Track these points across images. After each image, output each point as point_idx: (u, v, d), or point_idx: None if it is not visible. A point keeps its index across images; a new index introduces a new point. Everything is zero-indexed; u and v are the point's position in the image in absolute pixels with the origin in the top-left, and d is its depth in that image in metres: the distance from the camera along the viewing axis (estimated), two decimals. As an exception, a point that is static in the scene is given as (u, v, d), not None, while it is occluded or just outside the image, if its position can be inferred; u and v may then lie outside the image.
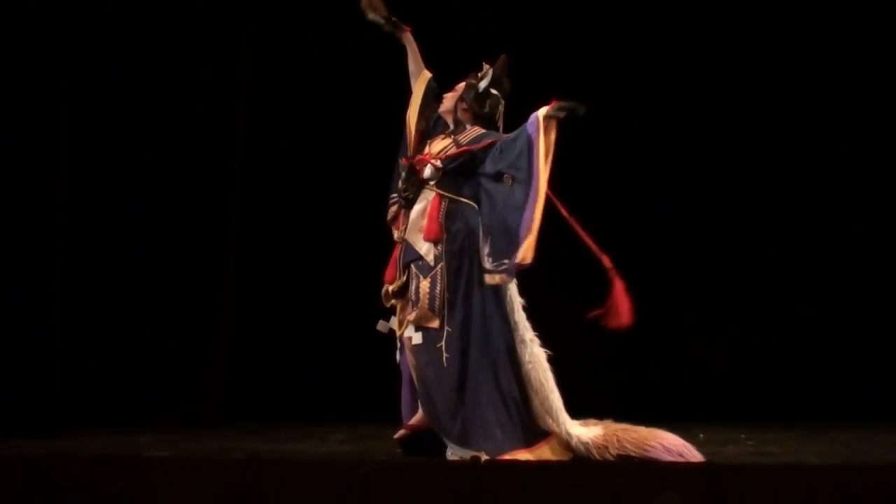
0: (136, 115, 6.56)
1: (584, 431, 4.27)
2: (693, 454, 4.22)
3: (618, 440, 4.21)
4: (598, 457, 4.17)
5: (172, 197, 6.52)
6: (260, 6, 6.84)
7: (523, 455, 4.18)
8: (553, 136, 4.36)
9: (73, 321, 6.35)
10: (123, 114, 6.56)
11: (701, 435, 5.56)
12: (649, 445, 4.18)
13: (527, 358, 4.34)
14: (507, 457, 4.14)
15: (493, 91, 4.61)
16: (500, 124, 4.66)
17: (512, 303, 4.42)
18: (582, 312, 6.97)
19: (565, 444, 4.27)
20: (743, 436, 5.50)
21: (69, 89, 6.33)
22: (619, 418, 5.30)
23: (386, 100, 7.08)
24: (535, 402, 4.31)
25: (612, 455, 4.16)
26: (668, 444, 4.22)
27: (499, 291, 4.38)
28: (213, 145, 6.57)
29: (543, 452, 4.23)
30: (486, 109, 4.60)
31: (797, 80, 7.11)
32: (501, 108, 4.63)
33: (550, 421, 4.28)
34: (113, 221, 6.52)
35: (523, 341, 4.35)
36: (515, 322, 4.40)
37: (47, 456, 3.94)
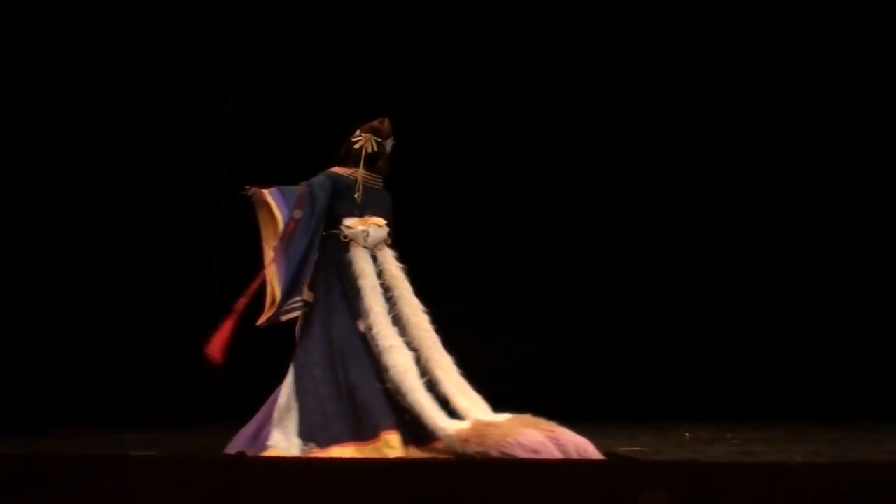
0: (124, 111, 6.55)
1: (450, 425, 4.36)
2: (550, 451, 4.20)
3: (479, 435, 4.28)
4: (459, 451, 4.25)
5: (160, 194, 6.51)
6: (248, 7, 6.85)
7: (350, 448, 4.36)
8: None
9: (59, 319, 6.34)
10: (110, 110, 6.56)
11: (687, 434, 5.58)
12: (506, 442, 4.21)
13: (390, 363, 4.50)
14: (336, 448, 4.35)
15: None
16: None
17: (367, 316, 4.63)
18: (570, 316, 7.03)
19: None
20: (729, 435, 5.52)
21: (56, 86, 6.32)
22: (606, 418, 5.33)
23: (366, 102, 7.15)
24: (405, 402, 4.46)
25: (473, 450, 4.22)
26: (524, 441, 4.20)
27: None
28: (201, 141, 6.56)
29: (376, 448, 4.34)
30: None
31: (779, 78, 7.15)
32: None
33: (423, 418, 4.39)
34: (100, 219, 6.51)
35: (384, 349, 4.54)
36: (372, 334, 4.58)
37: (33, 454, 3.94)
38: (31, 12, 6.14)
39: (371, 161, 4.82)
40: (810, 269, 7.19)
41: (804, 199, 7.19)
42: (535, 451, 4.16)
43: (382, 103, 7.09)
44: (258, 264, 7.00)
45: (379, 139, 4.87)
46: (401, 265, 4.77)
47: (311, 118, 7.16)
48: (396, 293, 4.69)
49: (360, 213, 4.73)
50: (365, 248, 4.71)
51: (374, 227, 4.73)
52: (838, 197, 7.16)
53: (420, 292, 4.76)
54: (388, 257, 4.75)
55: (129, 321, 6.42)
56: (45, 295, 6.27)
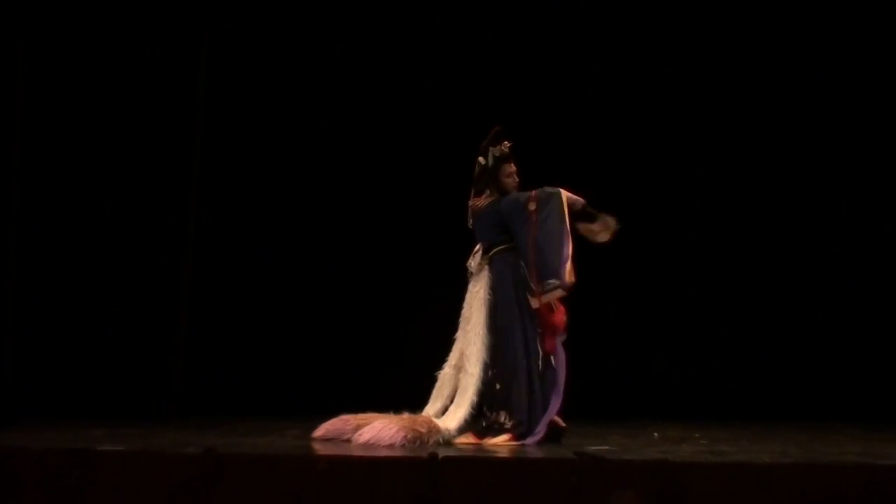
0: (93, 105, 6.49)
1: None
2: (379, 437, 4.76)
3: (356, 426, 4.95)
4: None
5: (130, 190, 6.46)
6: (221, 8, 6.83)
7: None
8: None
9: (26, 314, 6.28)
10: (80, 104, 6.50)
11: (655, 434, 5.61)
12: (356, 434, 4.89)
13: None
14: None
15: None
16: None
17: None
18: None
19: None
20: (697, 434, 5.55)
21: (25, 86, 6.28)
22: (576, 417, 5.35)
23: (340, 101, 7.16)
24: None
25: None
26: (367, 436, 4.81)
27: None
28: (172, 137, 6.51)
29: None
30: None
31: (776, 84, 7.22)
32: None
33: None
34: (68, 214, 6.45)
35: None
36: None
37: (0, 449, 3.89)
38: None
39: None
40: (780, 273, 7.25)
41: (775, 206, 7.25)
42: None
43: (361, 105, 7.16)
44: (227, 263, 7.02)
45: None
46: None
47: (279, 113, 7.15)
48: None
49: None
50: None
51: None
52: (808, 205, 7.22)
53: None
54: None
55: (98, 316, 6.37)
56: (11, 291, 6.21)
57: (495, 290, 5.15)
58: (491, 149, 5.27)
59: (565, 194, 5.11)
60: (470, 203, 5.34)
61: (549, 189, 5.12)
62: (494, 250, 5.21)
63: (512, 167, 5.29)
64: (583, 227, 5.16)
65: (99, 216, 6.43)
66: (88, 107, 6.48)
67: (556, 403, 5.05)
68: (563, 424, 5.12)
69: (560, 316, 5.11)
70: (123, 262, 6.40)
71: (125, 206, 6.45)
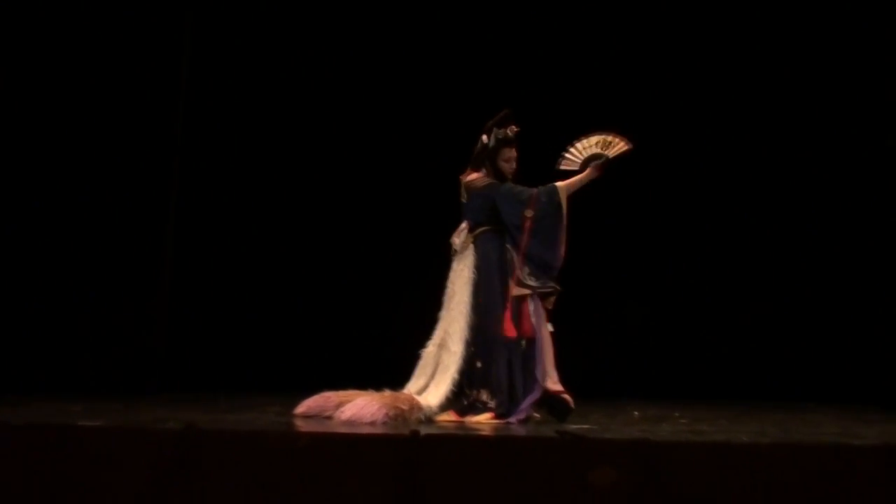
0: (74, 80, 6.44)
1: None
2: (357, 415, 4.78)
3: (338, 403, 4.97)
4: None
5: (112, 165, 6.42)
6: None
7: None
8: None
9: (5, 289, 6.24)
10: (60, 78, 6.45)
11: (636, 412, 5.64)
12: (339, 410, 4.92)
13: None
14: None
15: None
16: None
17: None
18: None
19: None
20: (676, 414, 5.58)
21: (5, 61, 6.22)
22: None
23: (319, 77, 7.13)
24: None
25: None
26: (349, 413, 4.84)
27: None
28: (153, 115, 6.46)
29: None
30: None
31: (753, 84, 7.26)
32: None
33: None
34: (48, 187, 6.40)
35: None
36: None
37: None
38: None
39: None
40: (758, 255, 7.29)
41: (755, 186, 7.28)
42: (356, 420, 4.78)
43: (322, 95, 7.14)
44: (209, 238, 6.99)
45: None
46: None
47: (263, 94, 7.12)
48: None
49: None
50: None
51: None
52: (786, 187, 7.26)
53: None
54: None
55: (79, 292, 6.33)
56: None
57: (479, 270, 5.16)
58: (495, 130, 5.25)
59: (564, 190, 5.12)
60: (463, 178, 5.32)
61: (549, 191, 5.13)
62: (480, 230, 5.21)
63: (512, 153, 5.26)
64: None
65: (79, 190, 6.39)
66: (70, 81, 6.41)
67: (537, 389, 5.06)
68: (572, 404, 5.11)
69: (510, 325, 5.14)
70: (104, 235, 6.37)
71: (106, 179, 6.40)
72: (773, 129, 7.27)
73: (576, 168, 5.20)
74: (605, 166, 5.18)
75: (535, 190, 5.16)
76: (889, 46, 6.89)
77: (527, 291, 5.09)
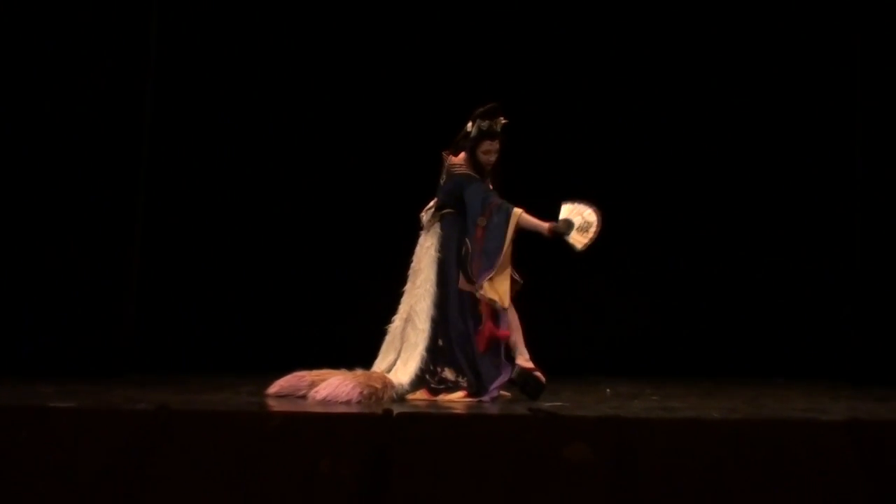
0: (40, 41, 6.34)
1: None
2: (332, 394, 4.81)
3: (311, 382, 4.95)
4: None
5: (80, 144, 6.33)
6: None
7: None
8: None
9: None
10: (26, 58, 6.36)
11: (608, 389, 5.68)
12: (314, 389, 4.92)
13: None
14: None
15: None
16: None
17: None
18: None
19: None
20: (648, 391, 5.63)
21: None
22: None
23: (290, 55, 7.10)
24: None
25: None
26: (324, 392, 4.84)
27: None
28: (121, 97, 6.38)
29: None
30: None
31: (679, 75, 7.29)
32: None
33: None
34: (17, 168, 6.31)
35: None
36: None
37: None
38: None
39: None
40: (728, 232, 7.34)
41: (718, 168, 7.33)
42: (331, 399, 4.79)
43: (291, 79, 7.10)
44: (177, 214, 6.94)
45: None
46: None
47: (236, 67, 7.08)
48: None
49: None
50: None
51: None
52: (751, 167, 7.31)
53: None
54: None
55: (48, 271, 6.27)
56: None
57: (444, 248, 5.18)
58: (479, 120, 5.20)
59: (518, 218, 5.09)
60: (446, 158, 5.31)
61: (505, 208, 5.11)
62: (446, 211, 5.23)
63: (493, 145, 5.21)
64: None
65: (48, 172, 6.30)
66: (40, 65, 6.32)
67: (506, 370, 5.08)
68: (544, 381, 5.13)
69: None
70: (73, 215, 6.29)
71: (76, 161, 6.32)
72: (736, 116, 7.31)
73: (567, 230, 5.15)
74: (557, 236, 5.12)
75: (494, 202, 5.13)
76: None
77: (469, 288, 5.11)
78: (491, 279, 5.02)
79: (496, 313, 5.09)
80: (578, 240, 5.09)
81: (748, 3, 7.28)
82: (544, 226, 5.12)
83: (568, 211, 5.15)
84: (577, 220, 5.14)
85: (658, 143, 7.31)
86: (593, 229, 5.09)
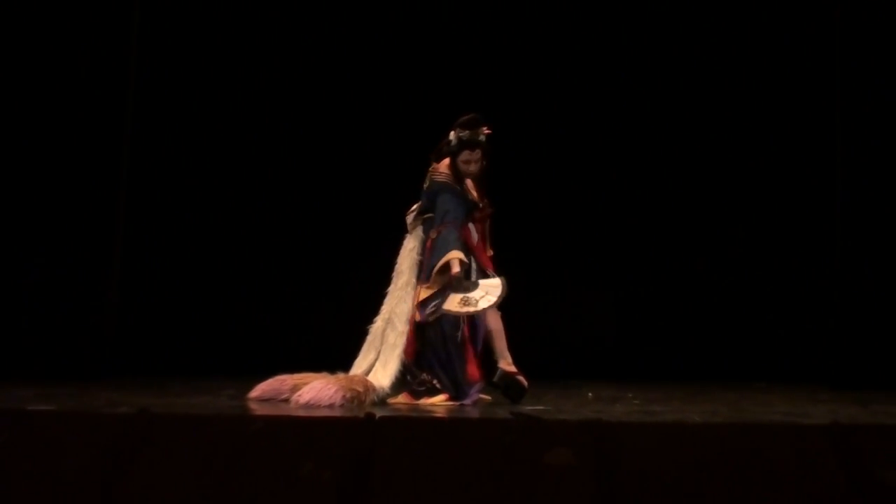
0: (22, 54, 6.31)
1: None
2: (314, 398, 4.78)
3: (294, 386, 4.92)
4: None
5: (61, 145, 6.30)
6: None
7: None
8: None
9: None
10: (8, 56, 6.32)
11: (590, 393, 5.69)
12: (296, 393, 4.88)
13: None
14: None
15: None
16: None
17: None
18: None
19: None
20: (630, 394, 5.64)
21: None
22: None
23: (275, 52, 7.08)
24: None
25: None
26: (307, 396, 4.80)
27: None
28: (102, 95, 6.35)
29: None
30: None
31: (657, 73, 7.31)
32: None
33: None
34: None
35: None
36: None
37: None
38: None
39: None
40: (712, 235, 7.36)
41: (701, 169, 7.35)
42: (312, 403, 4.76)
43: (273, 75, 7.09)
44: (157, 215, 6.91)
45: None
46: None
47: (219, 67, 7.06)
48: None
49: None
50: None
51: None
52: (735, 168, 7.34)
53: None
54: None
55: (29, 274, 6.23)
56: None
57: (424, 251, 5.20)
58: (458, 129, 5.19)
59: (448, 258, 5.04)
60: (433, 162, 5.30)
61: (444, 241, 5.08)
62: (427, 215, 5.25)
63: (472, 155, 5.19)
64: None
65: (26, 170, 6.26)
66: (22, 60, 6.28)
67: (476, 380, 5.07)
68: (526, 385, 5.13)
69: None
70: (54, 217, 6.26)
71: (55, 162, 6.29)
72: (717, 122, 7.34)
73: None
74: (450, 284, 5.05)
75: (447, 221, 5.12)
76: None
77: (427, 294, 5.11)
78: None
79: (472, 318, 5.09)
80: (453, 302, 4.99)
81: (727, 10, 7.30)
82: (452, 273, 5.05)
83: (488, 283, 5.08)
84: (475, 291, 5.03)
85: (641, 147, 7.32)
86: (468, 310, 4.98)
